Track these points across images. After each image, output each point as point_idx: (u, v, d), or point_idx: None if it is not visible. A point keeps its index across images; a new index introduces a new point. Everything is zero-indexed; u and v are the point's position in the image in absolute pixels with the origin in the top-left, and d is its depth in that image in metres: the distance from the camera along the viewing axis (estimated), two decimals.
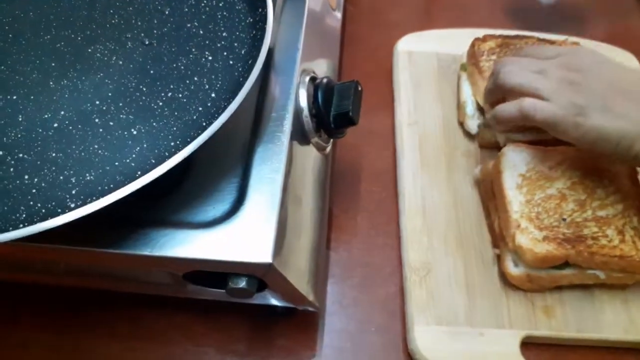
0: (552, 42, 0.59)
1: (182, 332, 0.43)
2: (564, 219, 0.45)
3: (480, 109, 0.55)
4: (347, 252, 0.49)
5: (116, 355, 0.42)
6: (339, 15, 0.62)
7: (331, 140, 0.48)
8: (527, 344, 0.44)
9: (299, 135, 0.42)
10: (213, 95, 0.36)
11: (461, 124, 0.57)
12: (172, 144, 0.33)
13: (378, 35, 0.68)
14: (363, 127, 0.59)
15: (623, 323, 0.45)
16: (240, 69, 0.38)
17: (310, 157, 0.45)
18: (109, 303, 0.44)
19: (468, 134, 0.56)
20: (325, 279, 0.47)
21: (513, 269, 0.44)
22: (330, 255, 0.49)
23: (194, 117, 0.34)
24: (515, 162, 0.48)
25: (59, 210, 0.29)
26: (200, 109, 0.35)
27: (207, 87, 0.37)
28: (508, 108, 0.46)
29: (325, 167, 0.48)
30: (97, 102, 0.35)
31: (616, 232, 0.45)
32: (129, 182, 0.29)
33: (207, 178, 0.36)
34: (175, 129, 0.34)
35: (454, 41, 0.63)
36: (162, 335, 0.43)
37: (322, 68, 0.51)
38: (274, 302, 0.41)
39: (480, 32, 0.60)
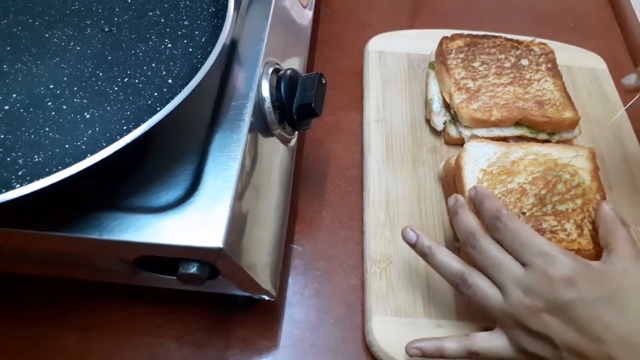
0: (519, 43, 0.60)
1: (139, 322, 0.43)
2: (524, 213, 0.46)
3: (447, 106, 0.56)
4: (311, 244, 0.49)
5: (72, 346, 0.42)
6: (310, 13, 0.63)
7: (296, 132, 0.48)
8: None
9: (261, 126, 0.42)
10: (170, 81, 0.36)
11: (428, 121, 0.57)
12: (125, 127, 0.33)
13: (351, 34, 0.69)
14: (332, 124, 0.59)
15: None
16: (199, 56, 0.38)
17: (274, 150, 0.45)
18: (64, 293, 0.44)
19: (434, 131, 0.56)
20: (286, 270, 0.47)
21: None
22: (293, 248, 0.49)
23: (149, 102, 0.34)
24: (477, 157, 0.49)
25: (3, 190, 0.28)
26: (155, 94, 0.35)
27: (164, 73, 0.36)
28: (452, 346, 0.39)
29: (290, 160, 0.48)
30: (51, 86, 0.35)
31: (575, 226, 0.45)
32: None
33: (163, 164, 0.36)
34: (129, 113, 0.34)
35: (425, 41, 0.64)
36: (119, 326, 0.43)
37: (289, 63, 0.51)
38: (232, 291, 0.40)
39: (451, 33, 0.60)
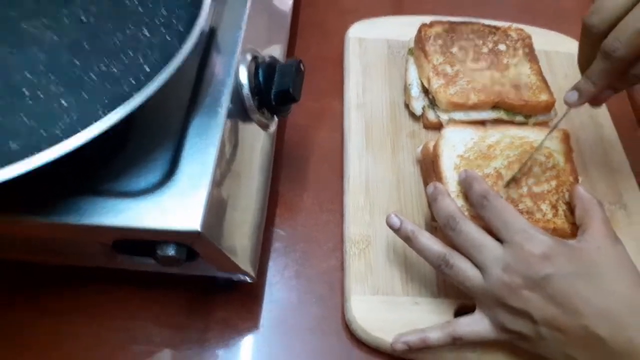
0: (497, 29, 0.60)
1: (118, 305, 0.43)
2: (500, 197, 0.47)
3: (425, 91, 0.57)
4: (292, 228, 0.50)
5: (48, 331, 0.42)
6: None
7: (275, 118, 0.48)
8: (462, 314, 0.45)
9: (240, 112, 0.43)
10: (147, 69, 0.36)
11: (407, 106, 0.58)
12: (102, 115, 0.33)
13: (333, 21, 0.69)
14: (313, 110, 0.60)
15: None
16: (177, 45, 0.38)
17: (254, 135, 0.46)
18: (39, 278, 0.44)
19: (413, 116, 0.57)
20: (267, 253, 0.48)
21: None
22: (274, 231, 0.49)
23: (126, 90, 0.35)
24: (455, 143, 0.49)
25: None
26: (132, 82, 0.35)
27: (141, 61, 0.37)
28: (436, 335, 0.41)
29: (270, 145, 0.49)
30: (27, 75, 0.35)
31: (550, 206, 0.47)
32: None
33: (141, 150, 0.37)
34: (106, 100, 0.34)
35: (405, 28, 0.64)
36: (97, 309, 0.43)
37: (269, 50, 0.51)
38: (212, 273, 0.41)
39: (430, 20, 0.61)
